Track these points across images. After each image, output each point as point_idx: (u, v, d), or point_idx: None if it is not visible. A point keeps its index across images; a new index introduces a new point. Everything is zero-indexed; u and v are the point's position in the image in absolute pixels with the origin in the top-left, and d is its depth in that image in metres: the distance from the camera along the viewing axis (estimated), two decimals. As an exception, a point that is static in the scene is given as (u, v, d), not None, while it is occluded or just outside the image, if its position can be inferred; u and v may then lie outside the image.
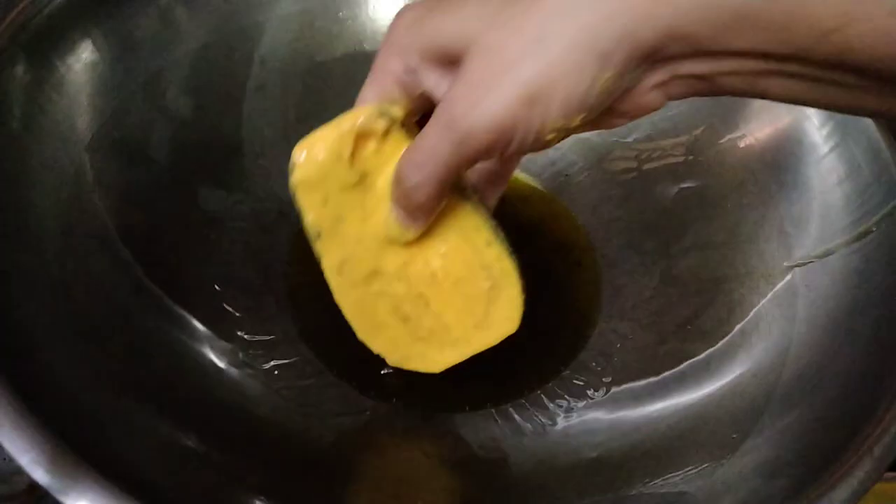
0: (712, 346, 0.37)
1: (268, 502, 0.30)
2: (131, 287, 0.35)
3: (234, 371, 0.35)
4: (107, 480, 0.24)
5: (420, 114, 0.30)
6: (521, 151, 0.26)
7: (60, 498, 0.24)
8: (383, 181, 0.30)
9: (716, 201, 0.42)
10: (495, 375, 0.38)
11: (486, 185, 0.35)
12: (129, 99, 0.38)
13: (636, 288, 0.41)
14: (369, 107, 0.29)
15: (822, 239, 0.38)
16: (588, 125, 0.26)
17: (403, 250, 0.32)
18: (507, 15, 0.24)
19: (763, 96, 0.25)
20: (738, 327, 0.38)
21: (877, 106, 0.24)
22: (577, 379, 0.39)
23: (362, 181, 0.30)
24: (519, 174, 0.46)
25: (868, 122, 0.38)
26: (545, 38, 0.23)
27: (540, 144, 0.25)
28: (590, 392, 0.38)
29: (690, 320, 0.39)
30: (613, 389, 0.38)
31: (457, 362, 0.34)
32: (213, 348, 0.36)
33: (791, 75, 0.23)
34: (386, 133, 0.29)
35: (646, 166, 0.44)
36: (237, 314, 0.38)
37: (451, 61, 0.25)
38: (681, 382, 0.37)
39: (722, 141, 0.42)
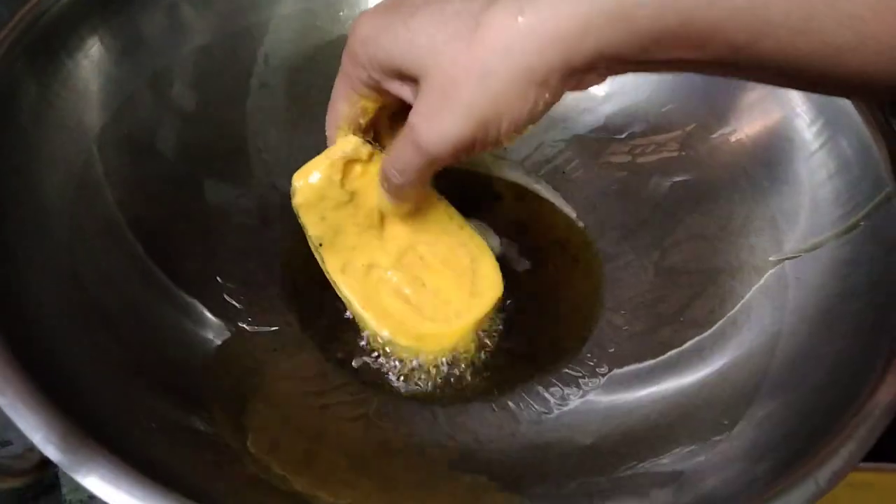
0: (704, 336, 0.38)
1: (269, 480, 0.31)
2: (139, 276, 0.36)
3: (239, 358, 0.36)
4: (115, 457, 0.25)
5: (395, 108, 0.34)
6: (485, 151, 0.30)
7: (71, 473, 0.24)
8: (370, 198, 0.37)
9: (708, 195, 0.42)
10: (497, 374, 0.39)
11: None
12: (136, 94, 0.39)
13: (631, 281, 0.42)
14: (354, 138, 0.35)
15: (812, 232, 0.39)
16: None
17: (394, 247, 0.38)
18: (454, 50, 0.27)
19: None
20: (729, 317, 0.38)
21: (789, 86, 0.28)
22: (572, 370, 0.40)
23: (353, 199, 0.37)
24: (516, 174, 0.47)
25: (857, 119, 0.39)
26: (489, 75, 0.26)
27: (500, 146, 0.29)
28: (585, 382, 0.39)
29: (683, 311, 0.40)
30: (608, 379, 0.39)
31: (465, 329, 0.38)
32: (218, 336, 0.37)
33: (715, 69, 0.26)
34: (370, 157, 0.37)
35: (640, 160, 0.45)
36: (239, 306, 0.39)
37: (408, 77, 0.29)
38: (673, 371, 0.38)
39: (714, 136, 0.43)
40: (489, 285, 0.39)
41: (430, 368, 0.38)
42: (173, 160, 0.40)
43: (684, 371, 0.37)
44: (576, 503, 0.33)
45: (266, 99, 0.44)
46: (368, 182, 0.37)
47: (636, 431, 0.35)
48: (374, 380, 0.38)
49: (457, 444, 0.37)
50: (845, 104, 0.39)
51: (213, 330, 0.37)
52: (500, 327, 0.40)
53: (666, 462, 0.33)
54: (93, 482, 0.24)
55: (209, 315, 0.37)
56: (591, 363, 0.39)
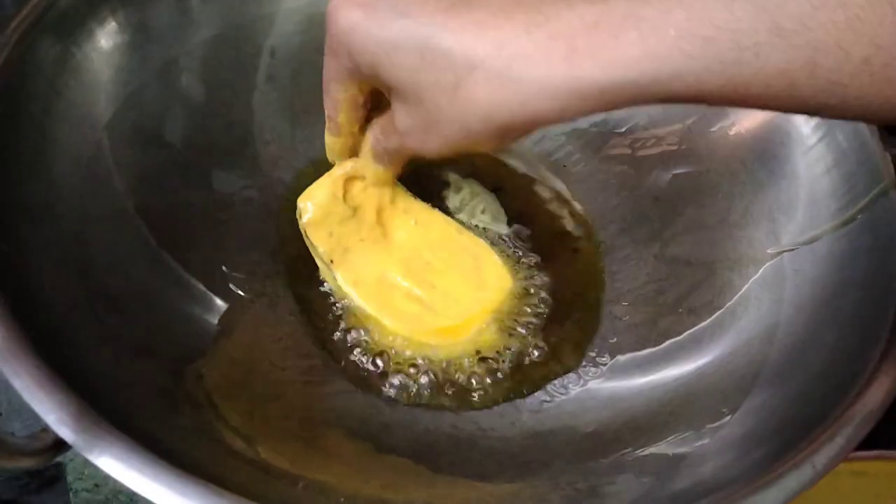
0: (703, 326, 0.39)
1: (276, 470, 0.31)
2: (147, 262, 0.36)
3: (244, 347, 0.37)
4: (127, 437, 0.25)
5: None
6: None
7: (85, 454, 0.25)
8: (372, 214, 0.40)
9: (707, 188, 0.43)
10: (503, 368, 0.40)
11: None
12: (145, 85, 0.40)
13: (631, 272, 0.43)
14: (354, 159, 0.38)
15: (809, 225, 0.39)
16: None
17: (400, 256, 0.40)
18: (437, 97, 0.28)
19: None
20: (727, 308, 0.39)
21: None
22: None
23: (356, 214, 0.40)
24: (517, 164, 0.48)
25: (854, 114, 0.39)
26: (468, 129, 0.28)
27: None
28: (585, 371, 0.39)
29: (682, 302, 0.40)
30: (608, 368, 0.39)
31: (479, 321, 0.40)
32: (229, 323, 0.37)
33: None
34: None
35: (640, 154, 0.45)
36: (244, 295, 0.39)
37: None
38: (673, 360, 0.38)
39: (713, 129, 0.44)
40: (497, 280, 0.41)
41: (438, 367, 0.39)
42: (181, 150, 0.41)
43: (684, 360, 0.38)
44: (578, 489, 0.33)
45: (272, 91, 0.45)
46: (369, 196, 0.39)
47: (637, 419, 0.36)
48: (375, 374, 0.39)
49: (459, 433, 0.37)
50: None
51: (221, 318, 0.37)
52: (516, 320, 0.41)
53: (666, 448, 0.33)
54: (106, 462, 0.25)
55: (217, 301, 0.38)
56: (592, 353, 0.40)
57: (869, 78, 0.23)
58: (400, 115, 0.31)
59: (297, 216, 0.39)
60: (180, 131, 0.41)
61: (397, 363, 0.39)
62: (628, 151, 0.46)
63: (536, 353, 0.40)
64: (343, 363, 0.39)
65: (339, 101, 0.34)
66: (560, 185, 0.47)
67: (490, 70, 0.26)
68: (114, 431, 0.25)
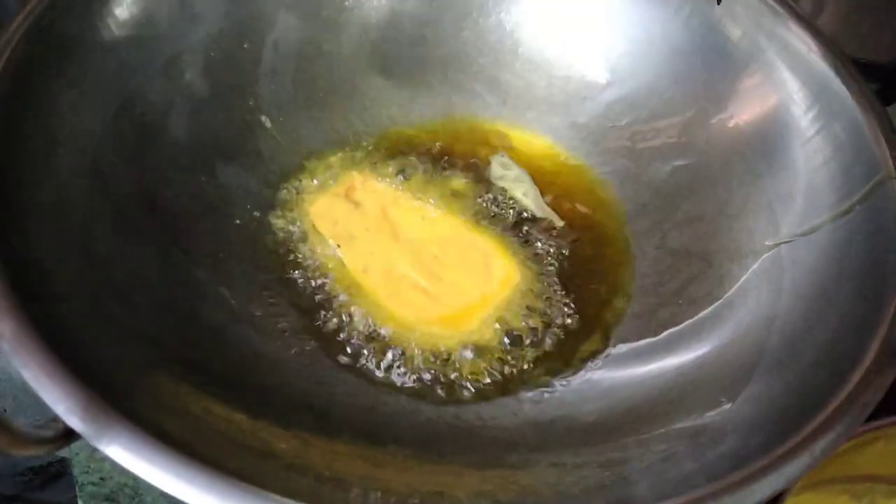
0: (702, 317, 0.39)
1: (281, 459, 0.32)
2: (152, 253, 0.36)
3: (249, 338, 0.37)
4: (137, 426, 0.25)
5: None
6: None
7: (94, 443, 0.25)
8: (376, 206, 0.42)
9: (706, 180, 0.43)
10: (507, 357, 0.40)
11: None
12: (149, 80, 0.40)
13: (632, 264, 0.43)
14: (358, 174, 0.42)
15: (807, 216, 0.40)
16: None
17: (409, 249, 0.41)
18: None
19: None
20: (726, 299, 0.39)
21: None
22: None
23: (358, 207, 0.43)
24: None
25: (852, 106, 0.40)
26: None
27: None
28: (586, 362, 0.40)
29: (681, 292, 0.41)
30: (609, 358, 0.40)
31: (481, 311, 0.41)
32: (231, 312, 0.37)
33: None
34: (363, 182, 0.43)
35: (640, 146, 0.46)
36: (247, 285, 0.40)
37: None
38: (673, 350, 0.39)
39: (712, 121, 0.44)
40: (503, 275, 0.42)
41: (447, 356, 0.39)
42: (185, 143, 0.41)
43: (683, 351, 0.38)
44: (580, 478, 0.34)
45: (275, 85, 0.45)
46: (369, 193, 0.42)
47: (637, 408, 0.36)
48: (376, 364, 0.39)
49: (461, 423, 0.37)
50: (841, 91, 0.40)
51: (224, 308, 0.38)
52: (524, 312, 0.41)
53: (666, 436, 0.33)
54: (115, 451, 0.25)
55: (223, 292, 0.38)
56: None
57: None
58: None
59: (305, 212, 0.41)
60: (184, 125, 0.41)
61: (400, 353, 0.39)
62: (628, 144, 0.46)
63: (542, 343, 0.40)
64: (345, 352, 0.39)
65: None
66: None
67: None
68: (122, 421, 0.25)
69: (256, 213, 0.43)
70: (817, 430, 0.29)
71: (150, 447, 0.25)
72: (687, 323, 0.39)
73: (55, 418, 0.26)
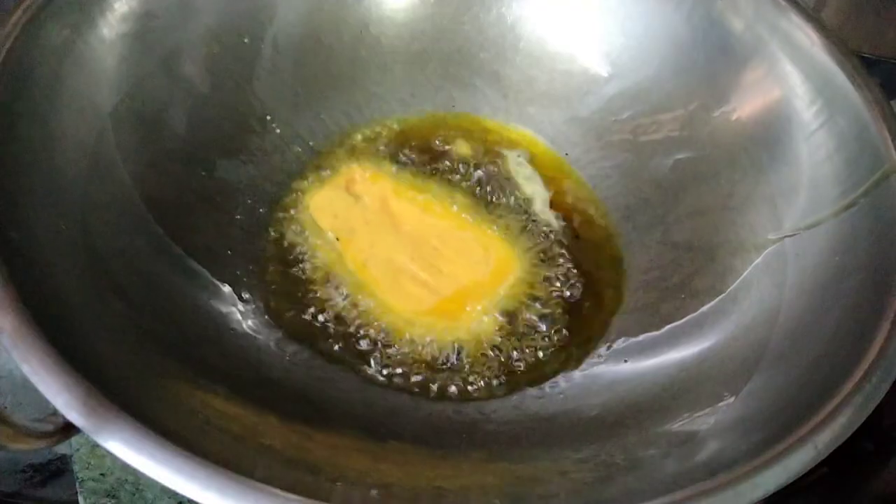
0: (705, 311, 0.39)
1: (281, 454, 0.31)
2: (151, 248, 0.36)
3: (248, 331, 0.37)
4: (137, 420, 0.25)
5: None
6: None
7: (93, 437, 0.25)
8: (374, 199, 0.42)
9: (709, 174, 0.43)
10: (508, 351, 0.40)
11: None
12: (148, 74, 0.40)
13: (634, 258, 0.43)
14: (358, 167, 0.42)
15: (811, 210, 0.39)
16: None
17: (409, 242, 0.41)
18: None
19: None
20: (729, 293, 0.39)
21: None
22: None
23: (359, 200, 0.42)
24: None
25: (856, 99, 0.39)
26: None
27: None
28: (588, 356, 0.40)
29: (684, 286, 0.41)
30: (611, 352, 0.39)
31: (484, 304, 0.41)
32: (230, 307, 0.37)
33: None
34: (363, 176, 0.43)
35: (642, 139, 0.45)
36: (247, 280, 0.40)
37: None
38: (675, 344, 0.38)
39: (715, 115, 0.44)
40: (504, 268, 0.42)
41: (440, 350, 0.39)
42: (184, 138, 0.41)
43: (686, 345, 0.38)
44: (580, 473, 0.33)
45: (275, 80, 0.45)
46: (370, 186, 0.42)
47: (639, 402, 0.36)
48: (376, 359, 0.39)
49: (462, 418, 0.37)
50: (845, 85, 0.40)
51: (223, 303, 0.38)
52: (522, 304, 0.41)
53: (669, 430, 0.33)
54: (114, 445, 0.25)
55: (221, 287, 0.38)
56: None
57: None
58: None
59: (304, 206, 0.41)
60: (184, 119, 0.41)
61: (400, 346, 0.39)
62: (630, 137, 0.46)
63: (543, 336, 0.40)
64: (345, 346, 0.39)
65: None
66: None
67: None
68: (122, 415, 0.25)
69: (256, 208, 0.43)
70: (821, 424, 0.29)
71: (150, 441, 0.25)
72: (689, 317, 0.39)
73: (54, 413, 0.26)
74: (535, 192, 0.46)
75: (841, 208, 0.38)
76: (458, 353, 0.39)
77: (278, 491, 0.25)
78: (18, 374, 0.26)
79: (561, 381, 0.39)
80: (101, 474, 0.50)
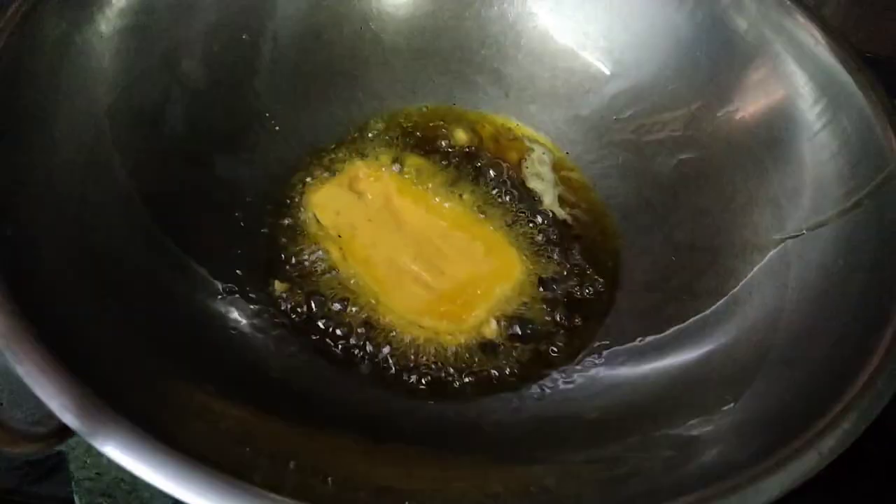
0: (707, 313, 0.39)
1: (281, 457, 0.31)
2: (149, 246, 0.36)
3: (247, 331, 0.37)
4: (132, 423, 0.25)
5: None
6: None
7: (88, 439, 0.25)
8: (378, 197, 0.42)
9: (712, 174, 0.43)
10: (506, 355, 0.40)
11: None
12: (147, 70, 0.39)
13: (635, 259, 0.43)
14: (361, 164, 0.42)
15: (814, 211, 0.39)
16: None
17: (412, 241, 0.41)
18: None
19: None
20: (732, 295, 0.39)
21: None
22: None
23: (360, 197, 0.42)
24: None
25: (860, 99, 0.39)
26: None
27: None
28: (588, 358, 0.39)
29: (687, 288, 0.40)
30: (612, 355, 0.39)
31: (485, 305, 0.40)
32: (229, 307, 0.37)
33: None
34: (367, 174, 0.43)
35: (645, 139, 0.45)
36: (246, 279, 0.39)
37: None
38: (677, 346, 0.38)
39: (718, 115, 0.44)
40: (506, 268, 0.42)
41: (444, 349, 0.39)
42: (183, 134, 0.41)
43: (688, 347, 0.38)
44: (583, 475, 0.33)
45: (275, 76, 0.45)
46: (372, 183, 0.42)
47: (641, 405, 0.36)
48: (375, 360, 0.39)
49: (463, 420, 0.37)
50: (849, 85, 0.39)
51: (221, 302, 0.37)
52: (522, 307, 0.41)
53: (670, 434, 0.33)
54: (109, 447, 0.24)
55: (219, 285, 0.37)
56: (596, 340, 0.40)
57: None
58: None
59: (306, 203, 0.41)
60: (182, 116, 0.41)
61: (400, 347, 0.38)
62: (632, 137, 0.46)
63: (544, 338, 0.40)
64: (345, 346, 0.39)
65: None
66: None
67: None
68: (117, 417, 0.25)
69: (256, 206, 0.42)
70: (825, 428, 0.28)
71: (146, 444, 0.25)
72: (692, 319, 0.39)
73: (50, 414, 0.25)
74: (545, 190, 0.45)
75: (845, 209, 0.38)
76: (458, 354, 0.39)
77: (276, 496, 0.25)
78: (15, 371, 0.26)
79: (561, 382, 0.38)
80: (97, 473, 0.50)
